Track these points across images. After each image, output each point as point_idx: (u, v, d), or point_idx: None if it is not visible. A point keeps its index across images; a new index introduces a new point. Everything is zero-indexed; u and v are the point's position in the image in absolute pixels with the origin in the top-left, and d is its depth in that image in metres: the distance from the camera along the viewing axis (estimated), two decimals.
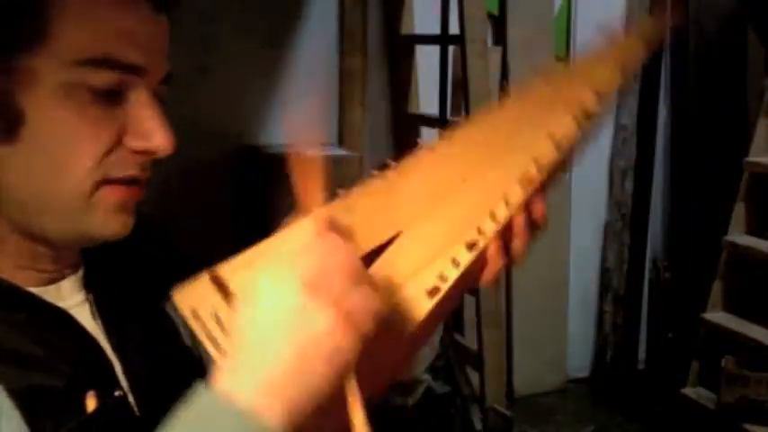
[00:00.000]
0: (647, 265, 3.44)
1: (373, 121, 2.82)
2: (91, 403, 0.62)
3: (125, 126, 0.63)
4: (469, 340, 2.76)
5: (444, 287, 0.61)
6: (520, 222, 0.66)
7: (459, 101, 2.80)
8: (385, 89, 2.87)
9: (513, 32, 2.96)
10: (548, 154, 0.67)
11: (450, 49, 2.67)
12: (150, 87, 0.64)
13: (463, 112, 2.56)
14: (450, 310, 0.66)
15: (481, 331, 2.53)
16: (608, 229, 3.35)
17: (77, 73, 0.60)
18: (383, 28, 2.82)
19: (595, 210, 3.33)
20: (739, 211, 2.77)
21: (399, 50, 2.82)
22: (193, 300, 0.61)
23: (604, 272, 3.37)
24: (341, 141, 2.72)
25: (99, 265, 0.71)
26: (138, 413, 0.67)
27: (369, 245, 0.64)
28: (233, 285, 0.61)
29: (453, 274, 0.62)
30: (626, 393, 3.26)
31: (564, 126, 0.68)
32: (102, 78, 0.61)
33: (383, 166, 0.70)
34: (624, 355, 3.40)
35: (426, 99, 2.82)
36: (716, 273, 2.82)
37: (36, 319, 0.63)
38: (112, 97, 0.62)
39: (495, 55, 2.90)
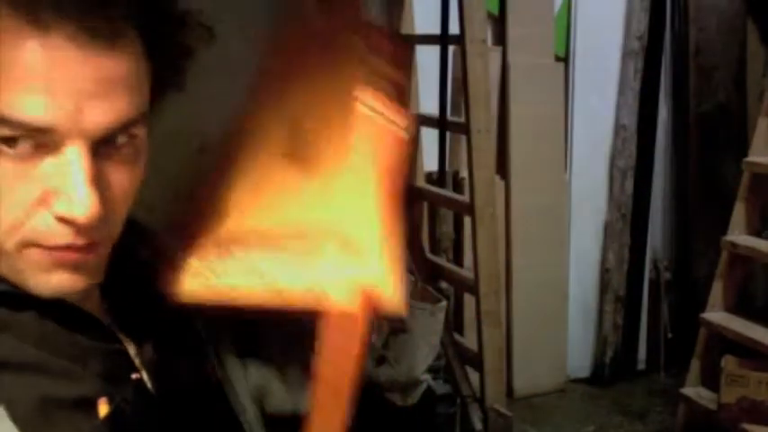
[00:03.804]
0: (647, 265, 3.44)
1: None
2: (103, 409, 0.60)
3: (51, 185, 0.55)
4: (469, 340, 2.76)
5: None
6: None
7: (459, 101, 2.80)
8: None
9: (513, 32, 2.96)
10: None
11: (451, 49, 2.67)
12: (86, 141, 0.55)
13: (463, 112, 2.55)
14: None
15: (481, 331, 2.53)
16: (608, 229, 3.35)
17: None
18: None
19: (595, 210, 3.33)
20: (739, 211, 2.76)
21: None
22: (192, 281, 0.64)
23: (604, 272, 3.37)
24: None
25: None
26: (153, 392, 0.67)
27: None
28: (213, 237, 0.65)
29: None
30: (626, 393, 3.27)
31: None
32: None
33: None
34: (624, 355, 3.40)
35: (426, 99, 2.82)
36: (716, 273, 2.82)
37: (40, 317, 0.61)
38: (33, 154, 0.54)
39: (495, 55, 2.90)
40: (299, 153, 0.67)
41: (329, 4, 0.79)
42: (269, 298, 0.61)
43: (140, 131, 0.59)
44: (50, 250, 0.57)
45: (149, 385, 0.67)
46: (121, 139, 0.58)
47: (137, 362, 0.67)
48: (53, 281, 0.58)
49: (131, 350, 0.67)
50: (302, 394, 0.81)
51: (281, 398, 0.81)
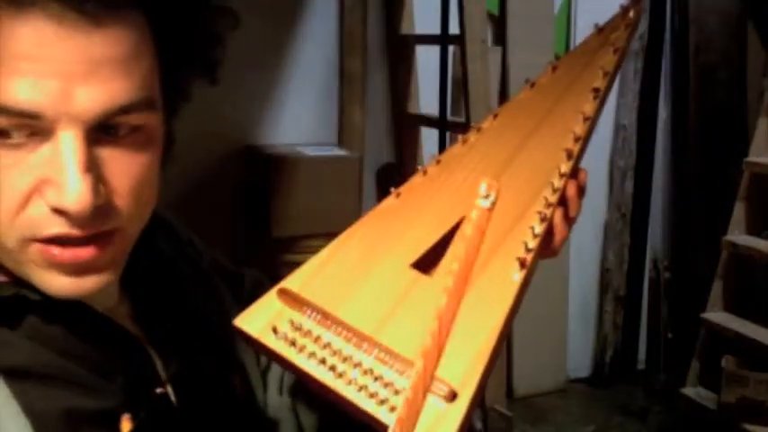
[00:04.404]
0: (647, 265, 3.44)
1: (373, 121, 2.82)
2: (126, 426, 0.58)
3: (45, 174, 0.52)
4: None
5: (529, 257, 0.65)
6: (573, 190, 0.71)
7: (459, 101, 2.80)
8: (385, 89, 2.87)
9: (513, 32, 2.96)
10: (581, 127, 0.76)
11: (451, 48, 2.67)
12: (80, 127, 0.52)
13: (463, 112, 2.55)
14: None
15: None
16: (608, 229, 3.35)
17: None
18: (383, 28, 2.82)
19: (595, 210, 3.33)
20: (739, 211, 2.77)
21: (399, 50, 2.82)
22: (265, 319, 0.61)
23: (604, 272, 3.37)
24: (341, 141, 2.72)
25: (134, 261, 0.65)
26: (176, 404, 0.65)
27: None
28: (306, 294, 0.62)
29: (534, 243, 0.66)
30: (626, 393, 3.27)
31: (588, 102, 0.79)
32: None
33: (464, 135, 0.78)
34: (624, 355, 3.40)
35: (426, 99, 2.82)
36: (716, 273, 2.82)
37: (71, 327, 0.59)
38: (28, 143, 0.52)
39: (495, 55, 2.90)
40: (432, 269, 0.65)
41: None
42: (330, 394, 0.58)
43: (147, 119, 0.56)
44: (48, 245, 0.54)
45: (173, 398, 0.65)
46: (124, 129, 0.54)
47: (162, 375, 0.65)
48: (56, 283, 0.55)
49: (158, 363, 0.65)
50: None
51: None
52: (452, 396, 0.55)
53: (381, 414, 0.55)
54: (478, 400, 0.58)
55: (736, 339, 2.66)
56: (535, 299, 3.12)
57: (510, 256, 0.65)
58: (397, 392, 0.56)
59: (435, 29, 2.65)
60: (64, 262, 0.54)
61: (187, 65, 0.61)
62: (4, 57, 0.49)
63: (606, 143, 3.31)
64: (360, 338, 0.59)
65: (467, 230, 0.66)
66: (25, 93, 0.50)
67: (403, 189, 0.73)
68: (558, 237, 0.69)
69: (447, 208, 0.70)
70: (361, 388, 0.57)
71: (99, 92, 0.51)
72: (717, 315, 2.79)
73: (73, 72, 0.50)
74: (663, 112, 3.36)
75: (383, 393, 0.56)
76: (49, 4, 0.49)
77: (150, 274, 0.69)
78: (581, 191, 0.73)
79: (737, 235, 2.75)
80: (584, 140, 0.76)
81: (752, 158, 2.71)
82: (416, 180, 0.74)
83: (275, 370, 0.80)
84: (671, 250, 3.46)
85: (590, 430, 2.98)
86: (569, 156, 0.73)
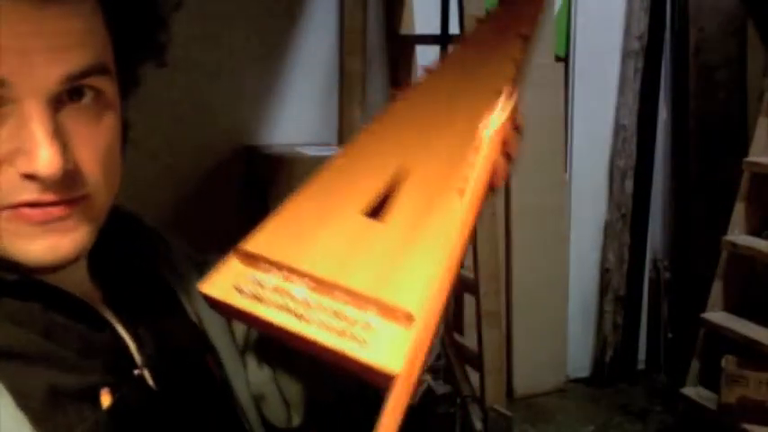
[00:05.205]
0: (647, 265, 3.44)
1: None
2: (105, 399, 0.60)
3: (14, 144, 0.56)
4: (469, 340, 2.76)
5: (469, 187, 0.68)
6: (508, 128, 0.74)
7: None
8: (385, 89, 2.87)
9: None
10: (511, 71, 0.80)
11: (450, 49, 2.67)
12: (43, 95, 0.55)
13: None
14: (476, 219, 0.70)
15: (481, 331, 2.53)
16: (608, 229, 3.35)
17: None
18: (383, 28, 2.82)
19: (595, 210, 3.34)
20: (739, 211, 2.77)
21: (399, 50, 2.82)
22: (228, 281, 0.64)
23: (604, 272, 3.37)
24: (341, 141, 2.72)
25: (102, 251, 0.68)
26: (154, 388, 0.66)
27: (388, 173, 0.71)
28: (265, 252, 0.65)
29: (473, 174, 0.69)
30: (626, 393, 3.27)
31: (517, 47, 0.82)
32: None
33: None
34: (624, 355, 3.40)
35: None
36: (716, 273, 2.82)
37: (48, 308, 0.61)
38: None
39: None
40: (382, 210, 0.69)
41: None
42: (300, 342, 0.61)
43: (104, 84, 0.60)
44: (20, 210, 0.56)
45: (150, 382, 0.66)
46: (87, 94, 0.58)
47: (138, 359, 0.67)
48: (32, 249, 0.58)
49: (132, 346, 0.67)
50: (297, 410, 0.81)
51: (275, 407, 0.81)
52: (408, 319, 0.59)
53: (346, 347, 0.58)
54: (437, 330, 0.60)
55: (736, 339, 2.67)
56: (535, 299, 3.13)
57: (452, 189, 0.69)
58: (361, 327, 0.59)
59: (435, 29, 2.65)
60: (36, 220, 0.57)
61: (135, 47, 0.65)
62: None
63: (606, 143, 3.31)
64: (320, 284, 0.62)
65: (473, 160, 0.70)
66: None
67: (348, 147, 0.77)
68: (499, 173, 0.73)
69: (388, 157, 0.73)
70: (326, 327, 0.60)
71: (57, 60, 0.55)
72: (717, 315, 2.79)
73: (31, 44, 0.54)
74: (663, 113, 3.36)
75: (350, 330, 0.59)
76: None
77: (121, 262, 0.71)
78: (518, 130, 0.77)
79: (737, 235, 2.75)
80: (516, 82, 0.80)
81: (752, 158, 2.71)
82: (360, 137, 0.78)
83: (252, 345, 0.82)
84: (671, 250, 3.46)
85: (590, 430, 2.98)
86: (504, 98, 0.77)
